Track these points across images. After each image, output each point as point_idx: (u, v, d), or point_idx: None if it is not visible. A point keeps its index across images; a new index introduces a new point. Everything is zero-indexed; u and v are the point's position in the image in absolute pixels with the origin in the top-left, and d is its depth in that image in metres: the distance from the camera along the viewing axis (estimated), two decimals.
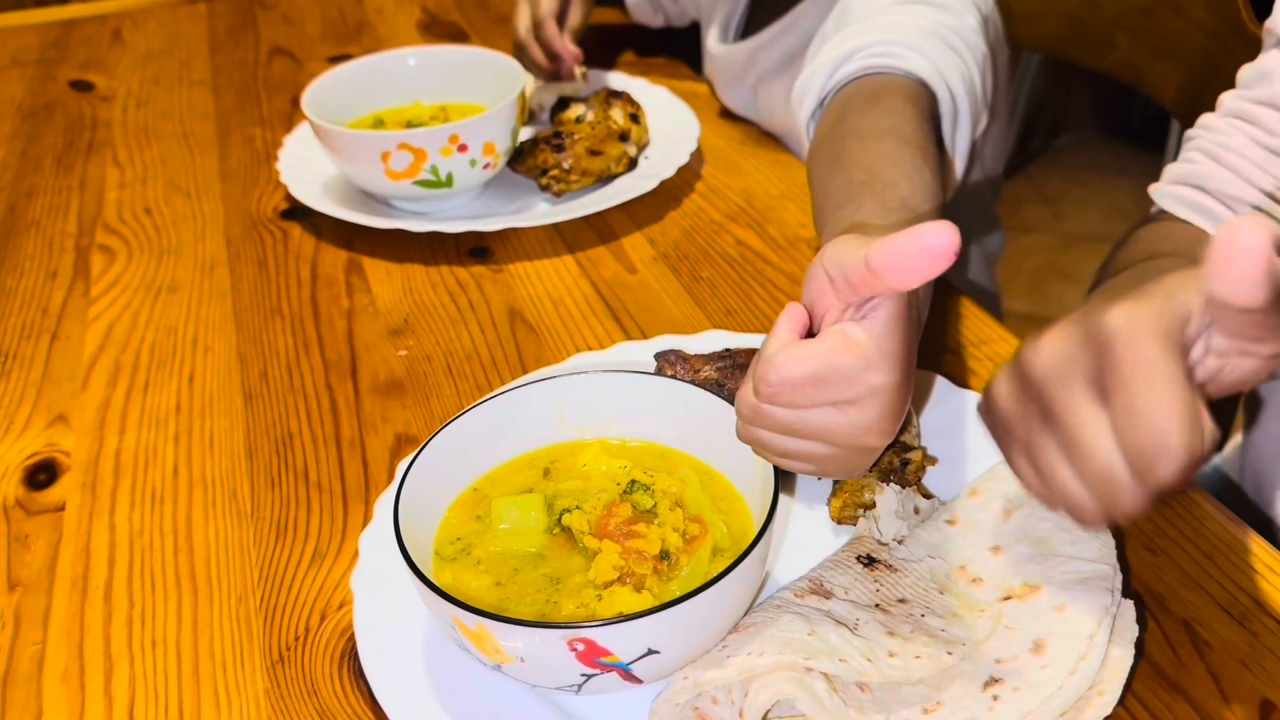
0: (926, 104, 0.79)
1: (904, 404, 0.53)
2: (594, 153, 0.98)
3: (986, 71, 0.86)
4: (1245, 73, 0.75)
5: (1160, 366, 0.43)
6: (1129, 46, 1.25)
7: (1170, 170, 0.75)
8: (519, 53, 1.15)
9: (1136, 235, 0.75)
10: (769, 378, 0.51)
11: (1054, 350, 0.46)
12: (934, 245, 0.46)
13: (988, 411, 0.49)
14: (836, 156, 0.74)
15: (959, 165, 0.84)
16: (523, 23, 1.15)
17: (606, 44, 1.32)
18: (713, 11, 1.17)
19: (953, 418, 0.68)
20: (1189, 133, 0.76)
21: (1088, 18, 1.28)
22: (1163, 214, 0.75)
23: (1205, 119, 0.76)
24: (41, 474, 0.73)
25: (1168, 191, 0.75)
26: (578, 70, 1.13)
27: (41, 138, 1.19)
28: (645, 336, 0.81)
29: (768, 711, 0.50)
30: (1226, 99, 0.75)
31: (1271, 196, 0.72)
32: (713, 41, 1.16)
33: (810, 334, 0.54)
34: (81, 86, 1.31)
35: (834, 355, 0.50)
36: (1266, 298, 0.42)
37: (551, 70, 1.14)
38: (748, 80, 1.11)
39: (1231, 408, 0.91)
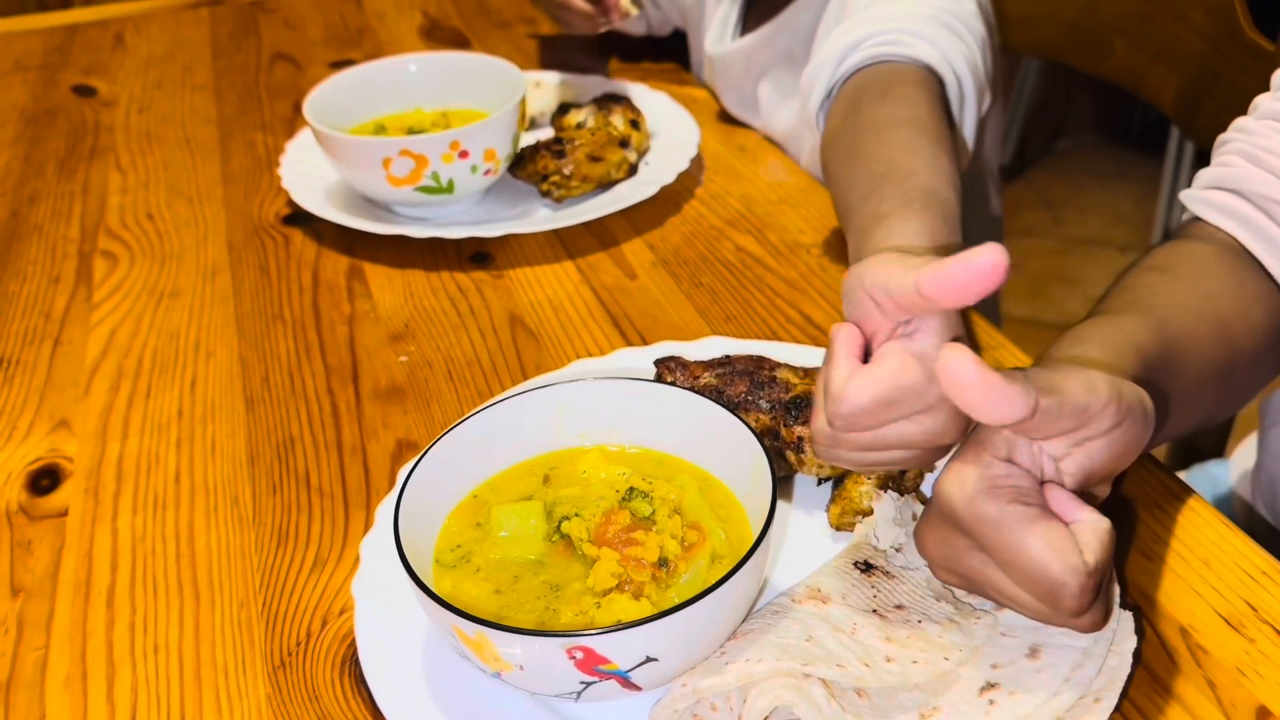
0: (936, 89, 0.80)
1: None
2: (594, 159, 0.98)
3: (986, 53, 0.88)
4: (1279, 76, 0.74)
5: (1004, 523, 0.49)
6: (1128, 52, 1.25)
7: (1203, 175, 0.74)
8: (558, 12, 1.14)
9: (1146, 258, 0.73)
10: (841, 410, 0.53)
11: (932, 541, 0.54)
12: (984, 267, 0.48)
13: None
14: (854, 150, 0.74)
15: (969, 145, 0.86)
16: None
17: (604, 50, 1.32)
18: (708, 15, 1.18)
19: None
20: (1222, 137, 0.75)
21: (1086, 23, 1.28)
22: (1194, 221, 0.74)
23: (1240, 122, 0.74)
24: (44, 479, 0.74)
25: (1199, 196, 0.73)
26: (624, 2, 1.11)
27: (44, 142, 1.19)
28: (645, 342, 0.82)
29: (766, 717, 0.50)
30: (1262, 101, 0.74)
31: None
32: (710, 43, 1.16)
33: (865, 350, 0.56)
34: (84, 91, 1.31)
35: (898, 377, 0.52)
36: (1027, 407, 0.47)
37: (598, 14, 1.12)
38: (748, 80, 1.11)
39: (1225, 423, 0.91)
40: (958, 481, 0.51)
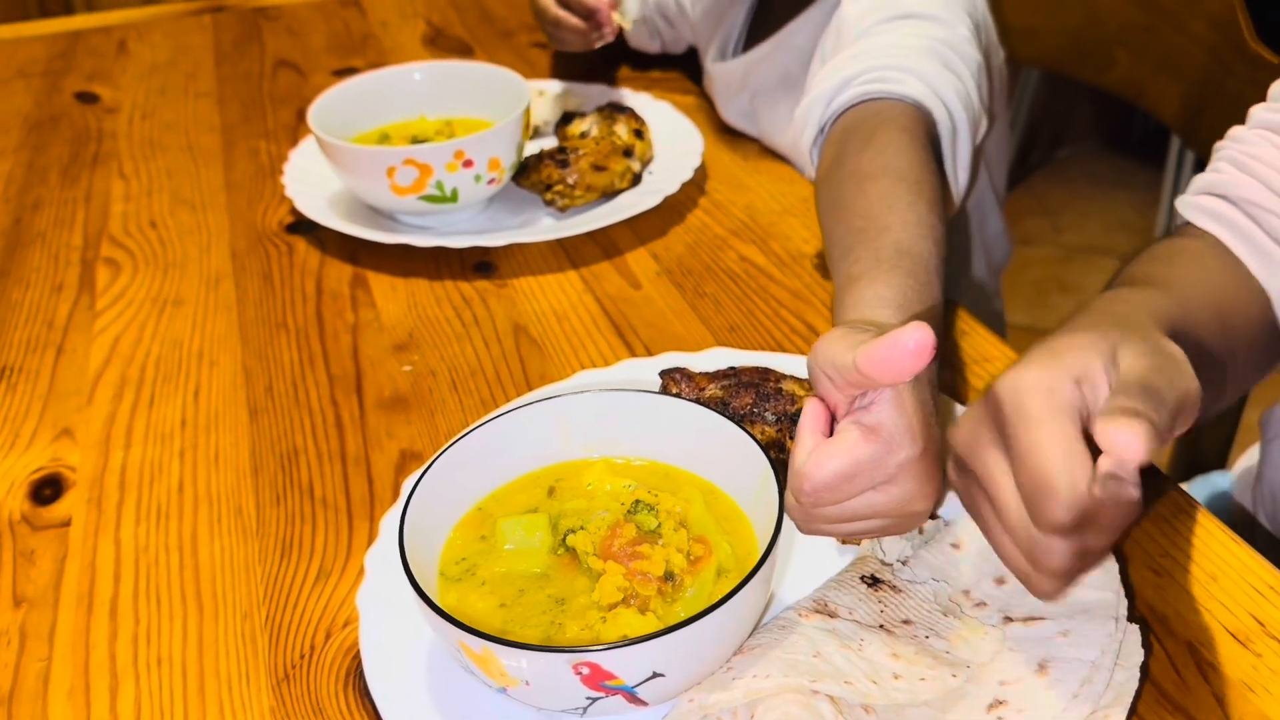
0: (923, 130, 0.79)
1: (937, 466, 0.57)
2: (598, 168, 0.98)
3: (982, 80, 0.87)
4: (1276, 87, 0.75)
5: (1039, 418, 0.48)
6: (1130, 62, 1.26)
7: (1196, 181, 0.76)
8: (552, 29, 1.14)
9: (1146, 251, 0.75)
10: (804, 487, 0.54)
11: (965, 426, 0.52)
12: (910, 348, 0.50)
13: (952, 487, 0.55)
14: (836, 200, 0.76)
15: (962, 178, 0.85)
16: None
17: (608, 60, 1.32)
18: (711, 33, 1.18)
19: None
20: (1217, 145, 0.77)
21: (1089, 34, 1.28)
22: (1185, 225, 0.76)
23: (1234, 131, 0.76)
24: (47, 489, 0.73)
25: (1190, 202, 0.75)
26: (616, 16, 1.10)
27: (47, 149, 1.19)
28: (650, 353, 0.82)
29: None
30: (1256, 111, 0.76)
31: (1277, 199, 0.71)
32: (711, 59, 1.16)
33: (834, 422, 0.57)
34: (87, 98, 1.31)
35: (855, 450, 0.54)
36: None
37: (592, 30, 1.12)
38: (743, 96, 1.11)
39: (1228, 434, 0.91)
40: (1017, 375, 0.50)
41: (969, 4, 0.91)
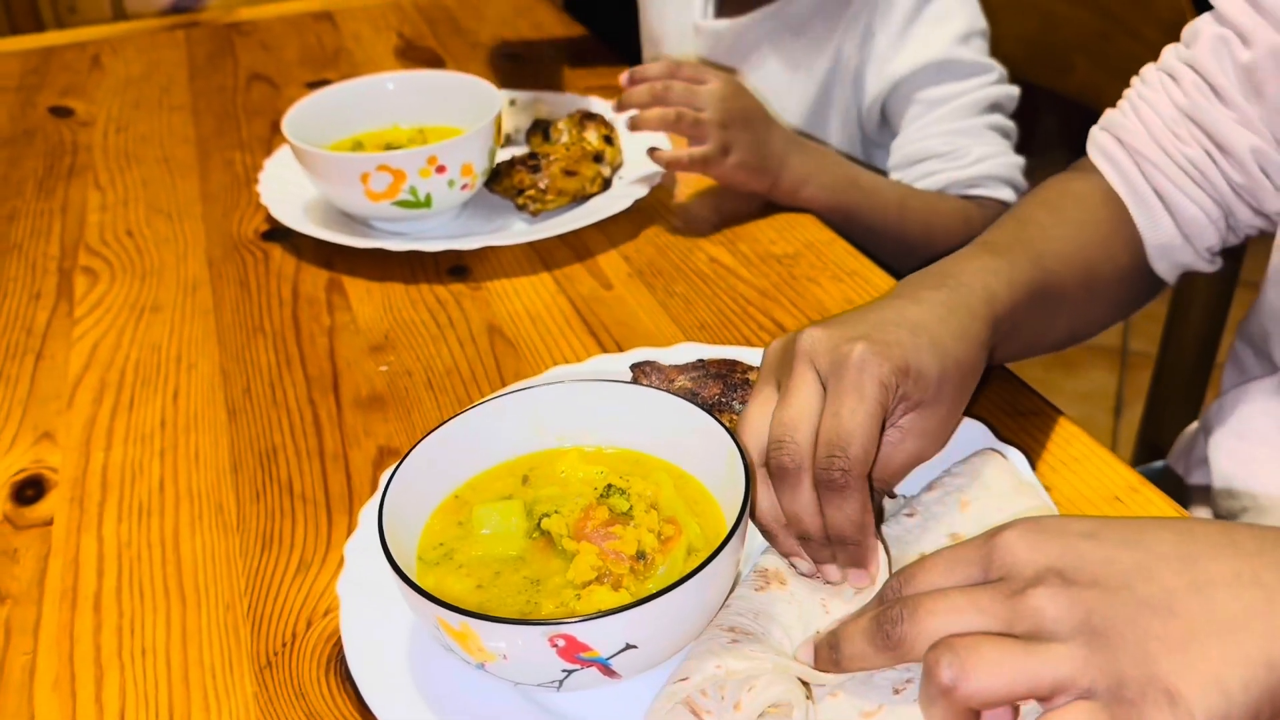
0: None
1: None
2: (569, 173, 1.00)
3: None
4: (1186, 30, 0.80)
5: (870, 398, 0.55)
6: (1088, 68, 1.29)
7: (1105, 115, 0.83)
8: None
9: (1040, 189, 0.82)
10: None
11: (818, 333, 0.58)
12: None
13: (767, 351, 0.62)
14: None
15: None
16: None
17: (579, 67, 1.34)
18: None
19: None
20: (1132, 79, 0.83)
21: (1046, 40, 1.32)
22: (1085, 158, 0.83)
23: (1144, 70, 0.82)
24: (29, 490, 0.74)
25: (1094, 135, 0.82)
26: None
27: (22, 162, 1.20)
28: (621, 350, 0.84)
29: (762, 713, 0.51)
30: (1166, 52, 0.81)
31: (1170, 157, 0.79)
32: (697, 15, 1.20)
33: None
34: (61, 112, 1.32)
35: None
36: None
37: None
38: (734, 59, 1.16)
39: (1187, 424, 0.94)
40: (856, 345, 0.57)
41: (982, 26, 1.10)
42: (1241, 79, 0.75)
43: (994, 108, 1.09)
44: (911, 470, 0.61)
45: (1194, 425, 0.96)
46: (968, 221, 1.07)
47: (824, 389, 0.57)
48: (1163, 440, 1.16)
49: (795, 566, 0.59)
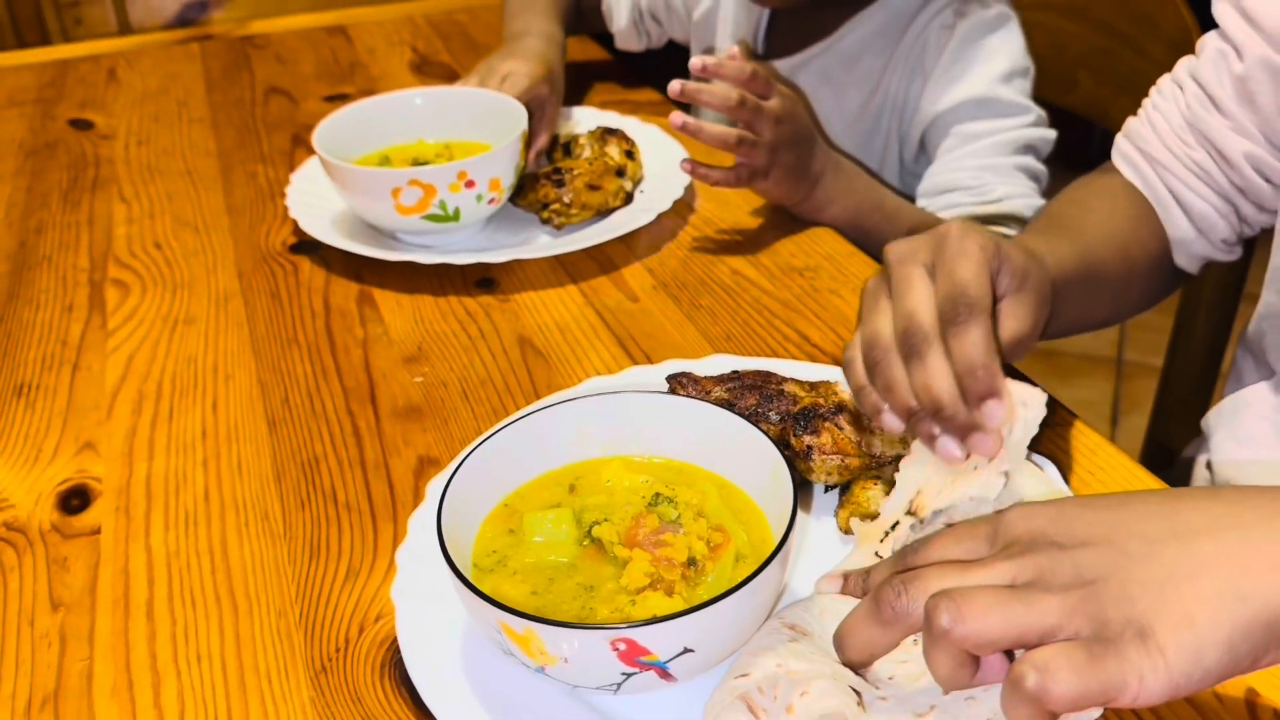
0: None
1: None
2: (592, 187, 1.02)
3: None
4: (1199, 43, 0.87)
5: (975, 253, 0.59)
6: (1092, 85, 1.32)
7: (1126, 123, 0.92)
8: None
9: (1070, 189, 0.92)
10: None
11: (905, 242, 0.62)
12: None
13: (864, 291, 0.65)
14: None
15: None
16: None
17: (597, 84, 1.36)
18: (721, 28, 1.24)
19: None
20: (1150, 90, 0.91)
21: (1053, 58, 1.34)
22: (1109, 163, 0.91)
23: (1161, 80, 0.90)
24: (74, 499, 0.76)
25: (1117, 142, 0.91)
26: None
27: (46, 174, 1.21)
28: (650, 361, 0.85)
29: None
30: (1180, 64, 0.88)
31: (1179, 160, 0.86)
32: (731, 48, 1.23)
33: None
34: (81, 125, 1.33)
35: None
36: None
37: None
38: None
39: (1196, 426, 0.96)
40: (965, 224, 0.62)
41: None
42: (1237, 89, 0.81)
43: (1027, 149, 1.11)
44: (1015, 351, 0.63)
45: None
46: None
47: (931, 277, 0.60)
48: (1170, 450, 1.18)
49: (939, 451, 0.59)
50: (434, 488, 0.70)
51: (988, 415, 0.57)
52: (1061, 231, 0.81)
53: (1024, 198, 1.09)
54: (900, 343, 0.59)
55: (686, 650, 0.52)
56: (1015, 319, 0.63)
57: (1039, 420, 0.61)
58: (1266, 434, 0.84)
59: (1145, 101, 0.90)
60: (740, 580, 0.52)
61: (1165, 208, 0.87)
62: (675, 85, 0.95)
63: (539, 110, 1.09)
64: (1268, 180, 0.83)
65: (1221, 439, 0.87)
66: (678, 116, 0.97)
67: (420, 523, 0.67)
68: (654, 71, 1.38)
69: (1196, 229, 0.87)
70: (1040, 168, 1.12)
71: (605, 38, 1.42)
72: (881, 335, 0.60)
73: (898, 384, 0.59)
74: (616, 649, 0.51)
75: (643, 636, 0.51)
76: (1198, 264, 0.90)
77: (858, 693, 0.53)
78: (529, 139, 1.03)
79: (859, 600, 0.58)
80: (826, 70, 1.16)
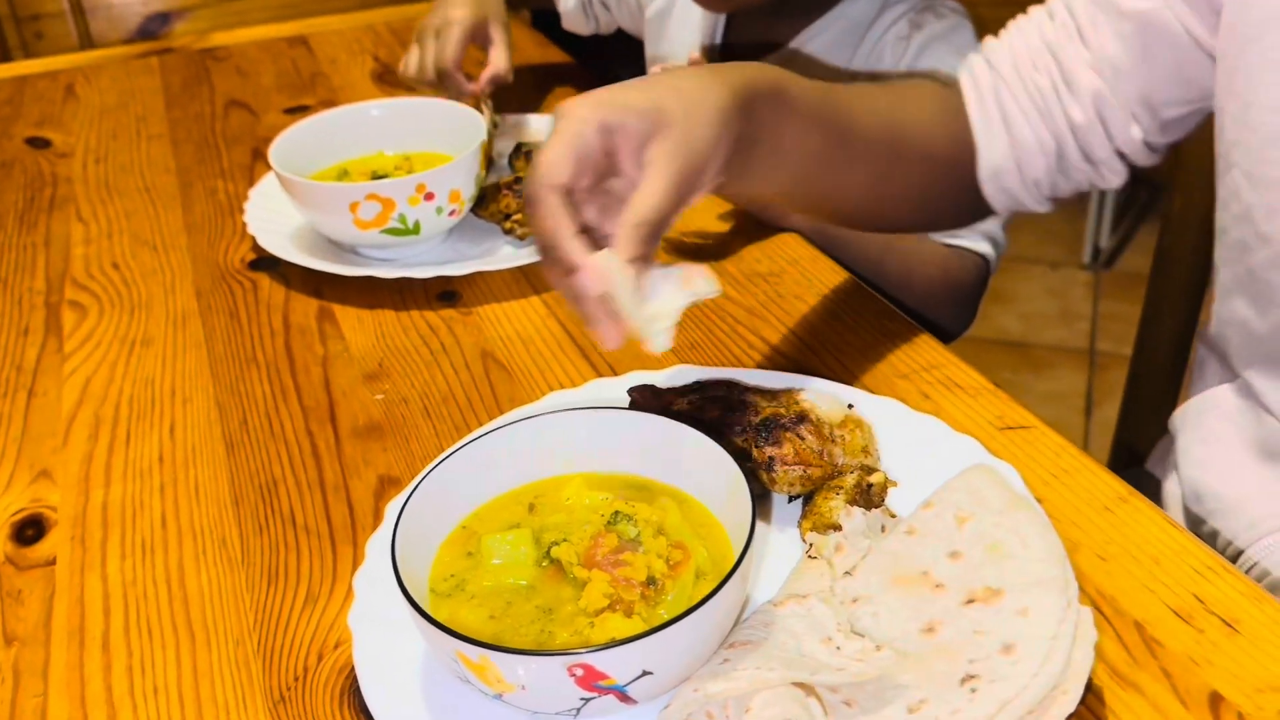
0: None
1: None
2: None
3: None
4: None
5: (557, 136, 0.61)
6: None
7: (985, 40, 0.88)
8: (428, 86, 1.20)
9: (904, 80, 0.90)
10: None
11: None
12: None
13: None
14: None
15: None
16: (416, 66, 1.20)
17: (559, 88, 1.36)
18: (678, 16, 1.24)
19: (910, 440, 0.72)
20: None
21: None
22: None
23: (1033, 8, 0.86)
24: (29, 530, 0.74)
25: (969, 56, 0.87)
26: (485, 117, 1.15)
27: (2, 195, 1.20)
28: (615, 372, 0.85)
29: None
30: None
31: (1021, 80, 0.83)
32: (705, 39, 1.22)
33: None
34: (38, 143, 1.32)
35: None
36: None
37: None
38: None
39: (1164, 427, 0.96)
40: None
41: None
42: (1113, 32, 0.79)
43: None
44: (678, 204, 0.63)
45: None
46: (946, 270, 1.10)
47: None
48: (1139, 444, 1.19)
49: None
50: (392, 510, 0.70)
51: (579, 284, 0.60)
52: (833, 90, 0.76)
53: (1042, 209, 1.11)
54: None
55: (645, 673, 0.52)
56: (659, 164, 0.61)
57: (707, 295, 0.64)
58: (1231, 437, 0.83)
59: (1010, 23, 0.87)
60: (698, 600, 0.52)
61: (989, 124, 0.84)
62: None
63: (487, 45, 1.10)
64: (1103, 124, 0.81)
65: (1188, 441, 0.87)
66: None
67: (378, 546, 0.66)
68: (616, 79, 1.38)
69: (1014, 157, 0.84)
70: None
71: (557, 26, 1.43)
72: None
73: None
74: (574, 674, 0.51)
75: (599, 661, 0.50)
76: (1002, 199, 0.87)
77: (816, 694, 0.53)
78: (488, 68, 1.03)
79: (810, 614, 0.58)
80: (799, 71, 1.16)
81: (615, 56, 1.41)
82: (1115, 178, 0.84)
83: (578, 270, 0.59)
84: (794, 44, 1.17)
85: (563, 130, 0.60)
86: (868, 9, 1.14)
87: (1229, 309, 0.82)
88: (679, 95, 0.62)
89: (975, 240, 1.12)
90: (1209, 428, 0.86)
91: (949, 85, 0.87)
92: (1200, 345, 0.92)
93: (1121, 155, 0.83)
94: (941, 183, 0.86)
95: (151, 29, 2.43)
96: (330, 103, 1.13)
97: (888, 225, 0.90)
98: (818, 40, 1.16)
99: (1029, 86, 0.83)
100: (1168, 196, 1.13)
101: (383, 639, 0.60)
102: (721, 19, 1.22)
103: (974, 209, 0.89)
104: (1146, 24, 0.77)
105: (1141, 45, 0.78)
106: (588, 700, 0.52)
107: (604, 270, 0.59)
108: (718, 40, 1.23)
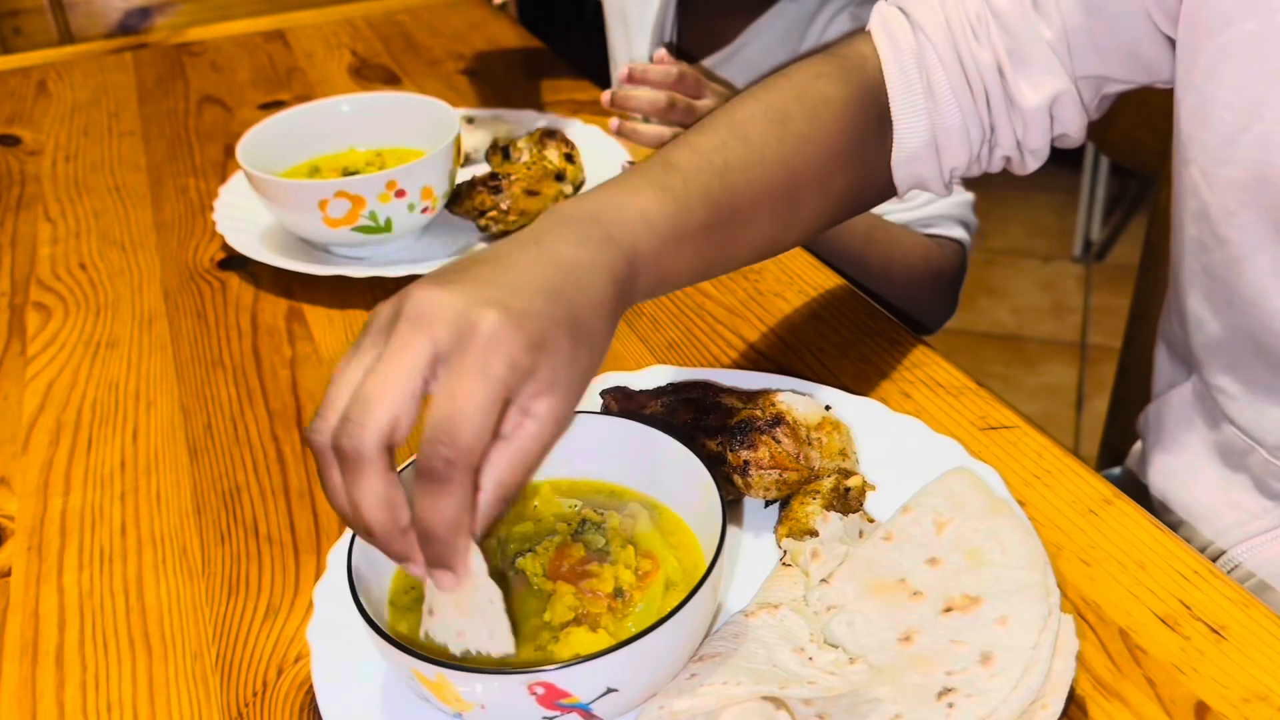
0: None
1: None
2: (531, 193, 0.99)
3: None
4: None
5: (491, 378, 0.47)
6: None
7: None
8: None
9: (795, 72, 0.71)
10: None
11: (432, 294, 0.48)
12: None
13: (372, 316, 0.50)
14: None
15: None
16: None
17: (539, 81, 1.34)
18: (640, 17, 1.23)
19: (890, 443, 0.70)
20: None
21: None
22: (865, 33, 0.74)
23: None
24: None
25: (880, 8, 0.74)
26: None
27: None
28: None
29: None
30: None
31: (957, 54, 0.71)
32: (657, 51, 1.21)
33: None
34: (7, 141, 1.29)
35: None
36: None
37: None
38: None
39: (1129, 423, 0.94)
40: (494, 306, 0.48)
41: None
42: (1073, 2, 0.69)
43: None
44: (534, 462, 0.50)
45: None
46: (928, 260, 1.09)
47: (433, 364, 0.47)
48: (1127, 440, 1.17)
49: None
50: None
51: (439, 579, 0.49)
52: (706, 178, 0.62)
53: (951, 195, 1.09)
54: (336, 429, 0.47)
55: (610, 690, 0.50)
56: (541, 422, 0.49)
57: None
58: (1192, 442, 0.81)
59: None
60: (663, 615, 0.50)
61: (910, 102, 0.71)
62: (605, 96, 0.93)
63: None
64: (1052, 117, 0.72)
65: (1151, 447, 0.85)
66: (615, 121, 0.95)
67: (339, 557, 0.64)
68: (595, 69, 1.36)
69: (935, 143, 0.72)
70: None
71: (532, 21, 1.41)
72: (338, 410, 0.48)
73: (332, 488, 0.49)
74: (534, 693, 0.49)
75: (561, 679, 0.48)
76: (908, 185, 0.75)
77: (789, 709, 0.51)
78: None
79: (783, 624, 0.56)
80: (732, 78, 1.15)
81: (591, 46, 1.39)
82: (1035, 164, 0.76)
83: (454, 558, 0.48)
84: (739, 40, 1.17)
85: (493, 376, 0.47)
86: (809, 3, 1.14)
87: (1185, 305, 0.78)
88: (590, 350, 0.53)
89: (950, 227, 1.10)
90: (1170, 433, 0.83)
91: (844, 66, 0.72)
92: (1159, 341, 0.88)
93: (1054, 141, 0.76)
94: (847, 201, 0.74)
95: (132, 24, 2.40)
96: (306, 98, 1.11)
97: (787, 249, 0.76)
98: (763, 37, 1.16)
99: (965, 60, 0.71)
100: (1156, 189, 1.12)
101: (343, 654, 0.58)
102: (672, 17, 1.22)
103: (879, 199, 0.77)
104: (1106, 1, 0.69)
105: (1101, 21, 0.69)
106: (550, 719, 0.50)
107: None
108: (668, 38, 1.23)
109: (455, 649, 0.51)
